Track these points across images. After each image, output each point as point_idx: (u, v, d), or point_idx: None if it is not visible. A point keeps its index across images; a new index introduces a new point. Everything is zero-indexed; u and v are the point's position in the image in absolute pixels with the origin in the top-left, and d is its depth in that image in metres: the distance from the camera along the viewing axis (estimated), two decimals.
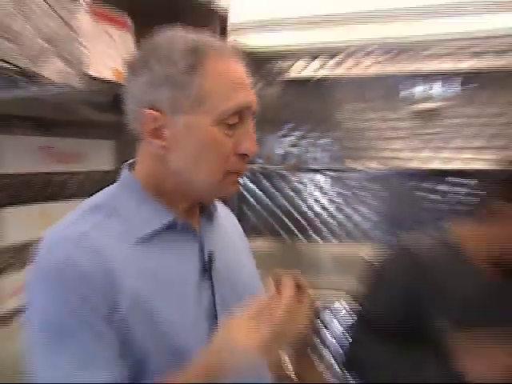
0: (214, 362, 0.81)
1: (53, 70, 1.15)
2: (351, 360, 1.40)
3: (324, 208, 2.97)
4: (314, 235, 2.98)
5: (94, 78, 1.26)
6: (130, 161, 0.99)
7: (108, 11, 1.41)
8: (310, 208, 3.00)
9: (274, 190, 3.06)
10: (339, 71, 2.86)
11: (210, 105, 0.87)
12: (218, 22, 1.77)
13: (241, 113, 0.90)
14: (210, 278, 0.95)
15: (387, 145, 2.82)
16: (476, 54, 2.65)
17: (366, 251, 2.80)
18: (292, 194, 3.03)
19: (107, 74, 1.32)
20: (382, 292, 1.31)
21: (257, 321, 0.80)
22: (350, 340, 1.38)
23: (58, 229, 0.89)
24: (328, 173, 2.95)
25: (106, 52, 1.37)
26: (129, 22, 1.49)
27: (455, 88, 2.69)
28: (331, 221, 2.96)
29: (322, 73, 2.89)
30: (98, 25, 1.35)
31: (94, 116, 1.65)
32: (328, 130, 2.91)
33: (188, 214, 0.98)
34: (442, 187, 2.75)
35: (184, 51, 0.87)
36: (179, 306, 0.89)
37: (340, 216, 2.94)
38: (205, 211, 1.02)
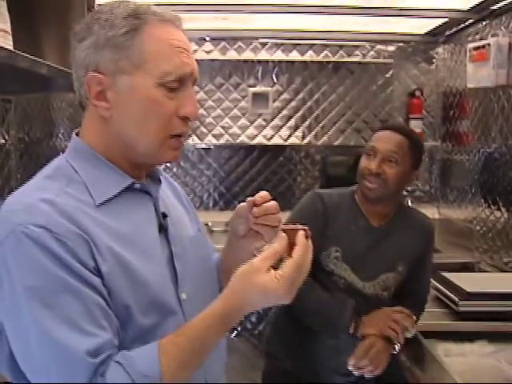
0: (233, 302, 0.86)
1: None
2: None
3: None
4: None
5: None
6: (77, 129, 1.00)
7: None
8: None
9: None
10: None
11: (151, 66, 0.90)
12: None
13: (181, 78, 0.92)
14: (166, 235, 0.99)
15: (223, 122, 3.25)
16: (295, 48, 3.23)
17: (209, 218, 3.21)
18: None
19: None
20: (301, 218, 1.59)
21: (272, 266, 0.86)
22: None
23: (19, 198, 0.88)
24: None
25: None
26: None
27: (279, 75, 3.23)
28: None
29: None
30: None
31: None
32: None
33: (138, 176, 0.99)
34: (264, 159, 3.29)
35: (125, 15, 0.91)
36: (148, 260, 0.92)
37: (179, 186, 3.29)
38: (151, 174, 1.05)
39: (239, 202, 3.27)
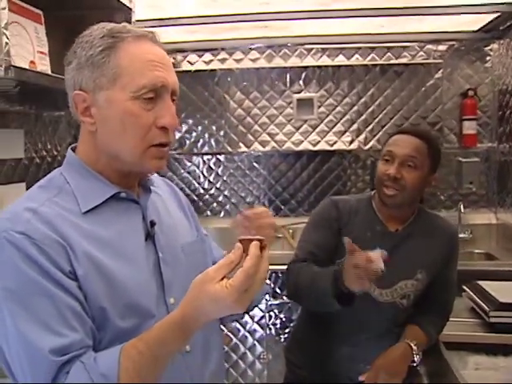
0: (188, 310, 0.88)
1: None
2: None
3: (216, 187, 3.36)
4: (208, 212, 3.37)
5: (18, 68, 1.34)
6: (74, 144, 1.08)
7: (22, 4, 1.46)
8: (203, 188, 3.38)
9: (170, 173, 3.39)
10: (227, 65, 3.28)
11: (126, 81, 0.96)
12: (123, 17, 1.98)
13: (157, 90, 0.97)
14: (153, 243, 1.04)
15: (269, 129, 3.28)
16: (341, 52, 3.21)
17: None
18: (187, 175, 3.40)
19: (23, 65, 1.41)
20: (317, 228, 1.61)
21: (226, 275, 0.87)
22: None
23: (8, 209, 0.97)
24: (218, 156, 3.34)
25: (21, 44, 1.45)
26: (41, 15, 1.57)
27: (326, 81, 3.21)
28: (222, 198, 3.36)
29: (211, 66, 3.30)
30: (14, 17, 1.40)
31: (1, 106, 1.75)
32: (218, 118, 3.29)
33: (127, 186, 1.05)
34: (313, 165, 3.27)
35: (102, 35, 0.98)
36: (129, 265, 0.98)
37: (229, 193, 3.35)
38: (142, 183, 1.11)
39: (289, 209, 3.25)
